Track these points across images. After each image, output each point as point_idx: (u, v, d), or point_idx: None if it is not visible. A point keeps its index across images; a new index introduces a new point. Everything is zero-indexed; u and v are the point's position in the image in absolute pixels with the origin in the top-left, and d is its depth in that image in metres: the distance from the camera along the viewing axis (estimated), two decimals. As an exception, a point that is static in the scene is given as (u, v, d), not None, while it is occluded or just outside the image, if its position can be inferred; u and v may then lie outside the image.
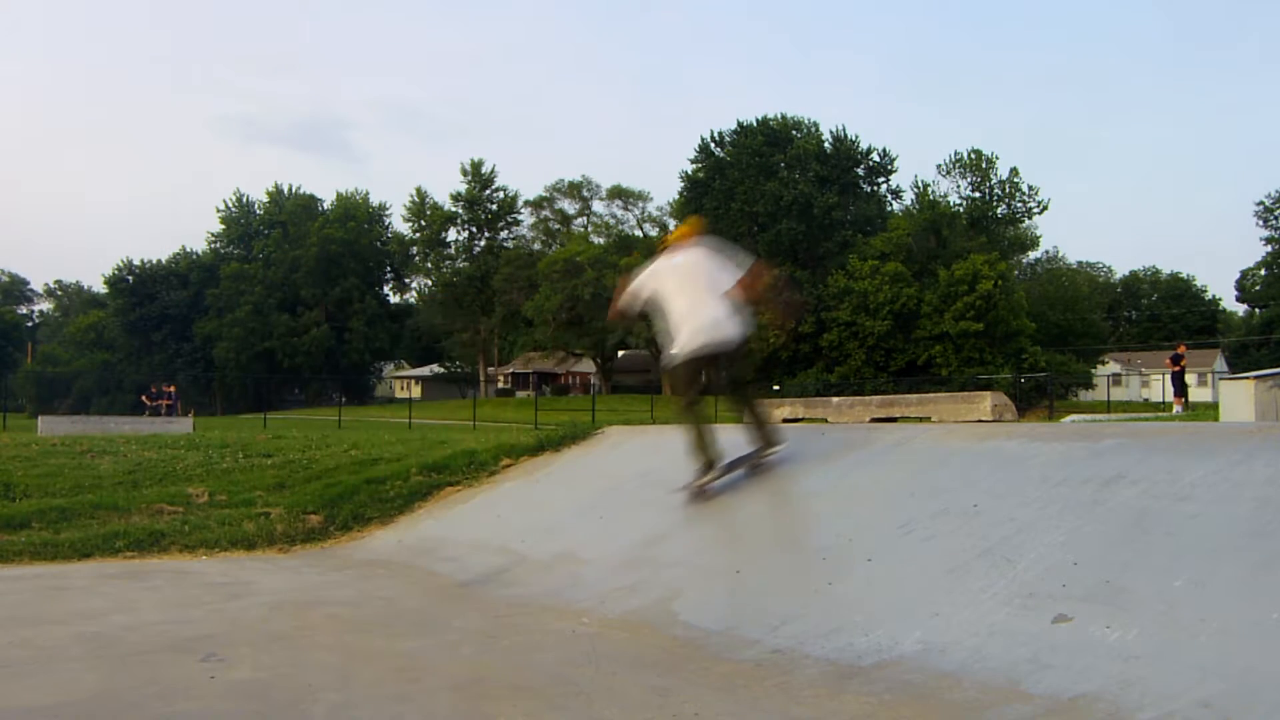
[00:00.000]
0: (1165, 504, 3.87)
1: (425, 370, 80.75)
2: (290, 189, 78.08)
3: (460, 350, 74.90)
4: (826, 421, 8.23)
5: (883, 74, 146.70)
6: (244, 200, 78.44)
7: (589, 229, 72.15)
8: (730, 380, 5.96)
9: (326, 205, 77.47)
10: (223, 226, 78.24)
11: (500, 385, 76.17)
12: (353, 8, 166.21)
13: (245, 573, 6.22)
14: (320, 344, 72.09)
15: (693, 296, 5.78)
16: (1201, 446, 4.37)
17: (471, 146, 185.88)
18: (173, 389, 30.77)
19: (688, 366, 5.79)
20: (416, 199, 72.69)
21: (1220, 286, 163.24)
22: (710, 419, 6.06)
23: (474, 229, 73.15)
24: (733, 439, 6.11)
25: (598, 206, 73.63)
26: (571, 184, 72.80)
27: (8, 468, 9.76)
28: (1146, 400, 54.12)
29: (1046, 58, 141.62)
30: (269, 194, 78.01)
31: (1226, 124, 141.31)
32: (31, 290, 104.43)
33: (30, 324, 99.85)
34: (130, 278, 74.80)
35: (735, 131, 60.98)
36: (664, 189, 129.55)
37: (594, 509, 6.57)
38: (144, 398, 30.06)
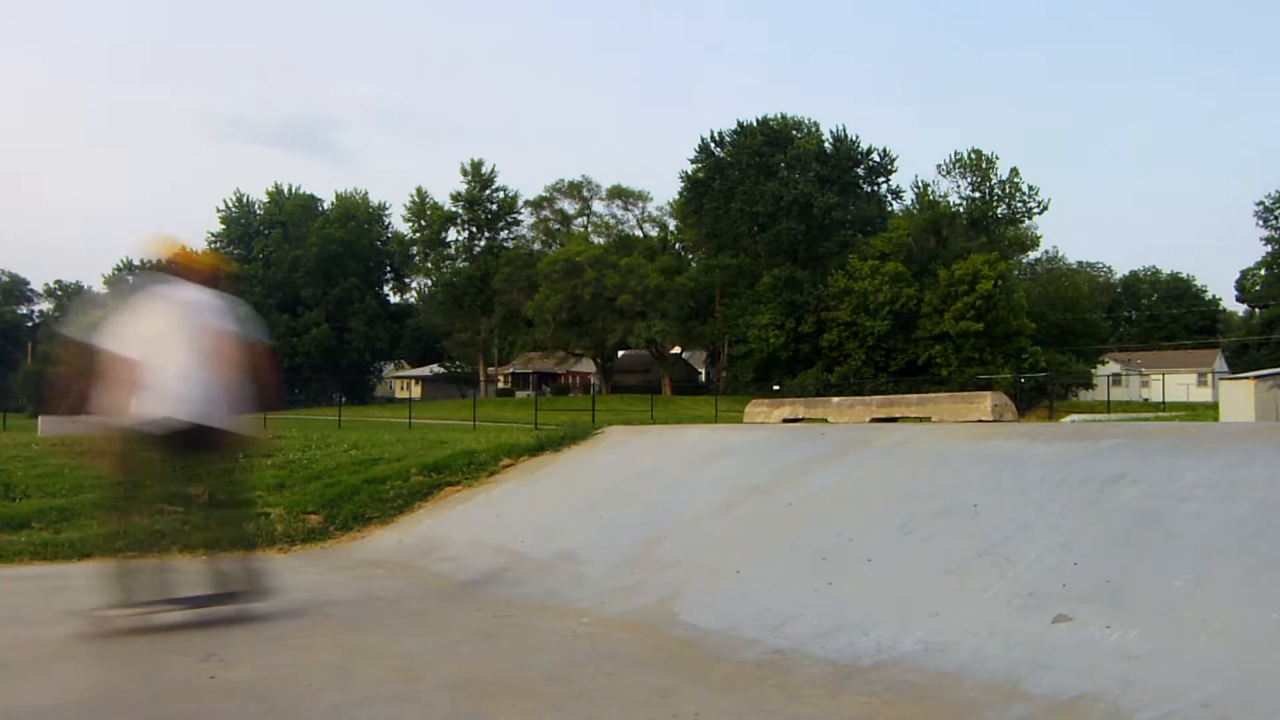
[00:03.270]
0: (1165, 504, 3.87)
1: (425, 370, 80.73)
2: (290, 189, 78.14)
3: (460, 350, 74.89)
4: (826, 421, 8.24)
5: (883, 74, 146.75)
6: (244, 200, 78.47)
7: (589, 229, 72.14)
8: (207, 490, 4.70)
9: (326, 205, 77.49)
10: (223, 226, 78.25)
11: (500, 385, 76.17)
12: (349, 7, 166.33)
13: (245, 573, 6.22)
14: (320, 344, 72.06)
15: (176, 356, 4.40)
16: (1201, 446, 4.38)
17: (471, 147, 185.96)
18: None
19: (139, 448, 4.39)
20: (416, 199, 72.70)
21: (1220, 286, 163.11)
22: (142, 529, 4.69)
23: (474, 229, 73.13)
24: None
25: (598, 206, 73.61)
26: (571, 184, 72.77)
27: (8, 468, 9.76)
28: (1146, 400, 54.15)
29: (1047, 58, 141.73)
30: (269, 194, 78.04)
31: (1227, 124, 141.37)
32: (31, 290, 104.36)
33: (30, 324, 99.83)
34: (130, 278, 74.79)
35: (735, 131, 61.00)
36: (664, 189, 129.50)
37: (594, 509, 6.57)
38: None
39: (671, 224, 69.63)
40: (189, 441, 4.46)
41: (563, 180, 72.89)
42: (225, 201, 79.70)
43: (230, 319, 4.60)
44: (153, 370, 4.36)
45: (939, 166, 63.54)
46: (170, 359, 4.38)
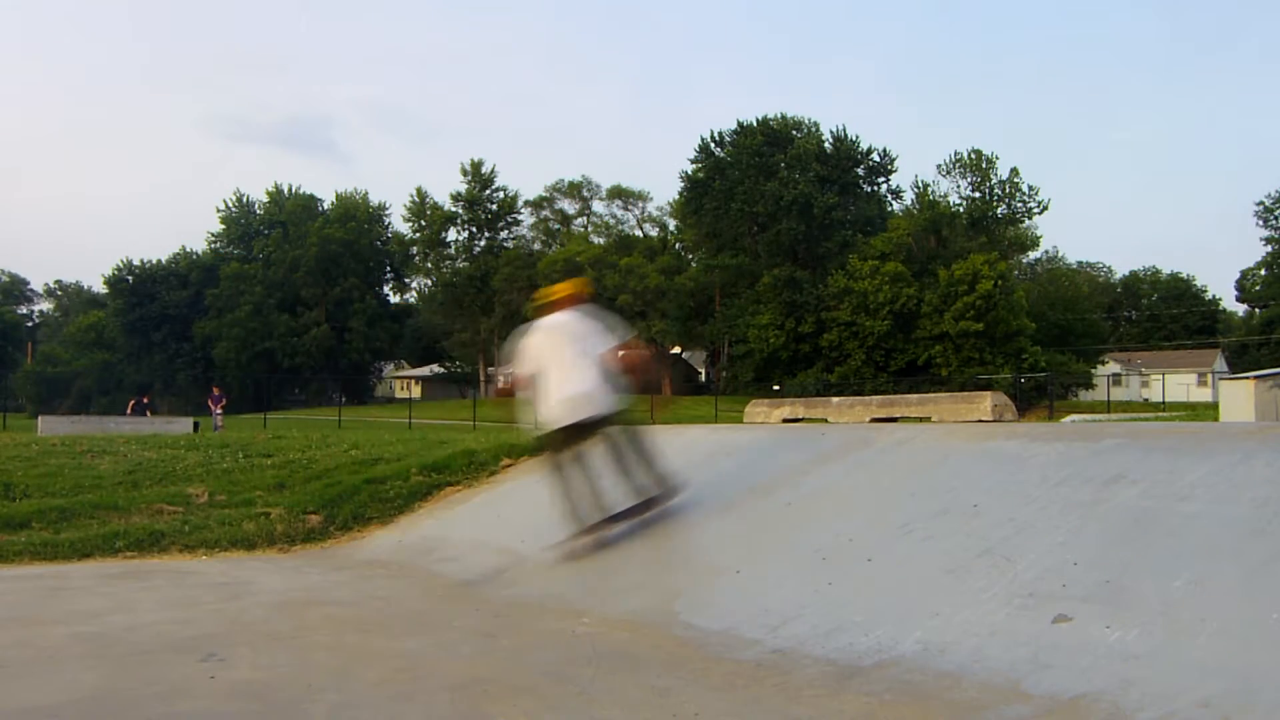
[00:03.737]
0: (1165, 504, 3.87)
1: (425, 370, 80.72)
2: (290, 189, 78.14)
3: (460, 350, 74.90)
4: (826, 421, 8.24)
5: (883, 74, 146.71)
6: (244, 200, 78.50)
7: (589, 229, 72.20)
8: (606, 436, 5.73)
9: (326, 205, 77.50)
10: (223, 226, 78.27)
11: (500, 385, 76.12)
12: (349, 7, 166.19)
13: (245, 573, 6.23)
14: (320, 344, 72.08)
15: (562, 367, 5.58)
16: (1201, 446, 4.37)
17: (471, 147, 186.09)
18: (146, 399, 33.00)
19: (554, 438, 5.66)
20: (416, 199, 72.72)
21: (1220, 286, 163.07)
22: (579, 480, 5.77)
23: (474, 229, 73.16)
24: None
25: (598, 206, 73.73)
26: (571, 184, 72.88)
27: (8, 468, 9.76)
28: (1146, 400, 54.15)
29: (1047, 58, 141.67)
30: (269, 194, 78.06)
31: (1226, 124, 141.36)
32: (31, 290, 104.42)
33: (30, 324, 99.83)
34: (130, 278, 74.82)
35: (735, 131, 61.03)
36: (664, 189, 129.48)
37: (594, 509, 6.56)
38: (131, 404, 31.41)
39: (671, 224, 69.69)
40: (586, 429, 5.61)
41: (563, 180, 73.04)
42: (225, 201, 79.84)
43: (601, 329, 5.79)
44: (554, 381, 5.58)
45: (939, 166, 63.65)
46: (565, 370, 5.57)
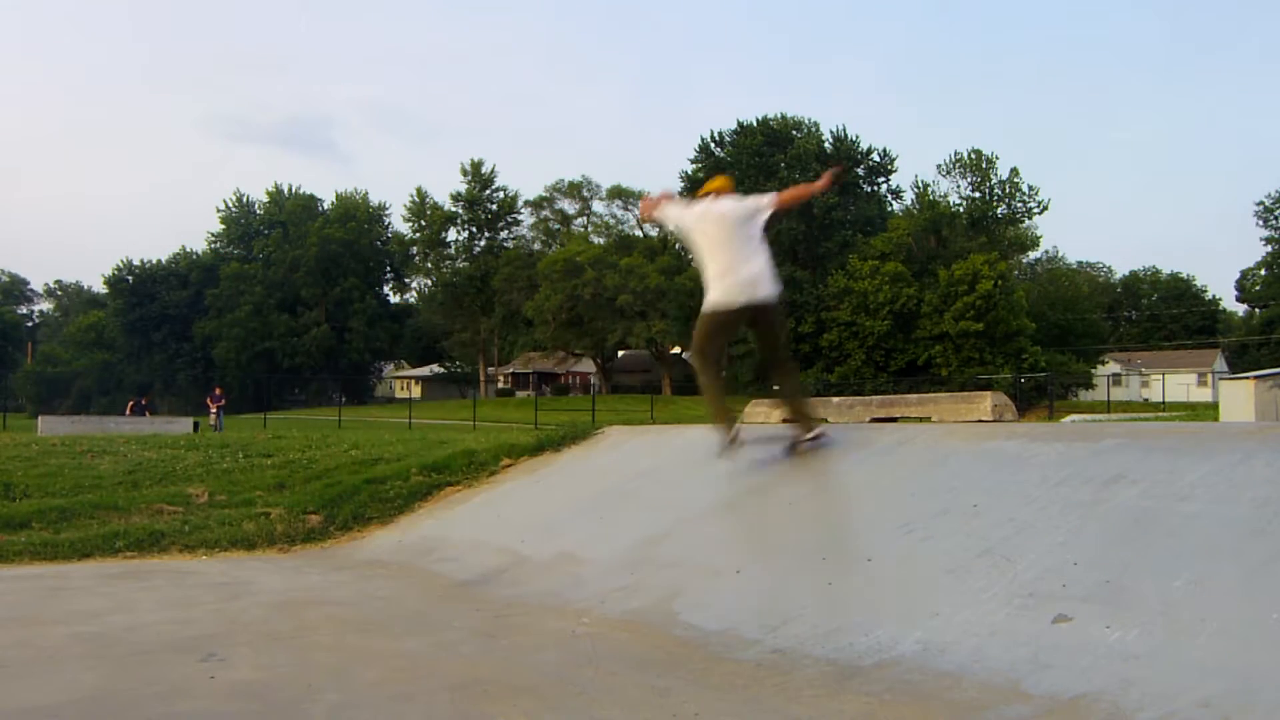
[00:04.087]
0: (1165, 504, 3.87)
1: (425, 370, 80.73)
2: (290, 189, 78.13)
3: (460, 350, 74.91)
4: (826, 421, 8.22)
5: (883, 74, 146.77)
6: (244, 200, 78.51)
7: (589, 229, 72.16)
8: (767, 351, 5.93)
9: (326, 205, 77.47)
10: (223, 226, 78.28)
11: (500, 385, 76.16)
12: (349, 7, 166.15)
13: (245, 573, 6.22)
14: (320, 344, 72.09)
15: (731, 250, 5.54)
16: (1201, 446, 4.37)
17: (471, 147, 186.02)
18: (146, 400, 33.28)
19: (715, 320, 5.58)
20: (416, 199, 72.71)
21: (1220, 286, 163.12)
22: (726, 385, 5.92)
23: (474, 229, 73.15)
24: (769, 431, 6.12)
25: (598, 206, 73.66)
26: (571, 184, 72.81)
27: (8, 468, 9.76)
28: (1146, 400, 54.13)
29: (1047, 57, 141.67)
30: (269, 194, 78.07)
31: (1226, 124, 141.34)
32: (31, 290, 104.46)
33: (30, 324, 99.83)
34: (130, 278, 74.83)
35: (735, 131, 61.03)
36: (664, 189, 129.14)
37: (594, 509, 6.57)
38: (130, 405, 31.56)
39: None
40: (763, 314, 5.58)
41: (563, 180, 72.99)
42: (225, 201, 79.89)
43: (757, 211, 5.64)
44: (726, 261, 5.50)
45: (939, 166, 63.66)
46: (736, 251, 5.51)
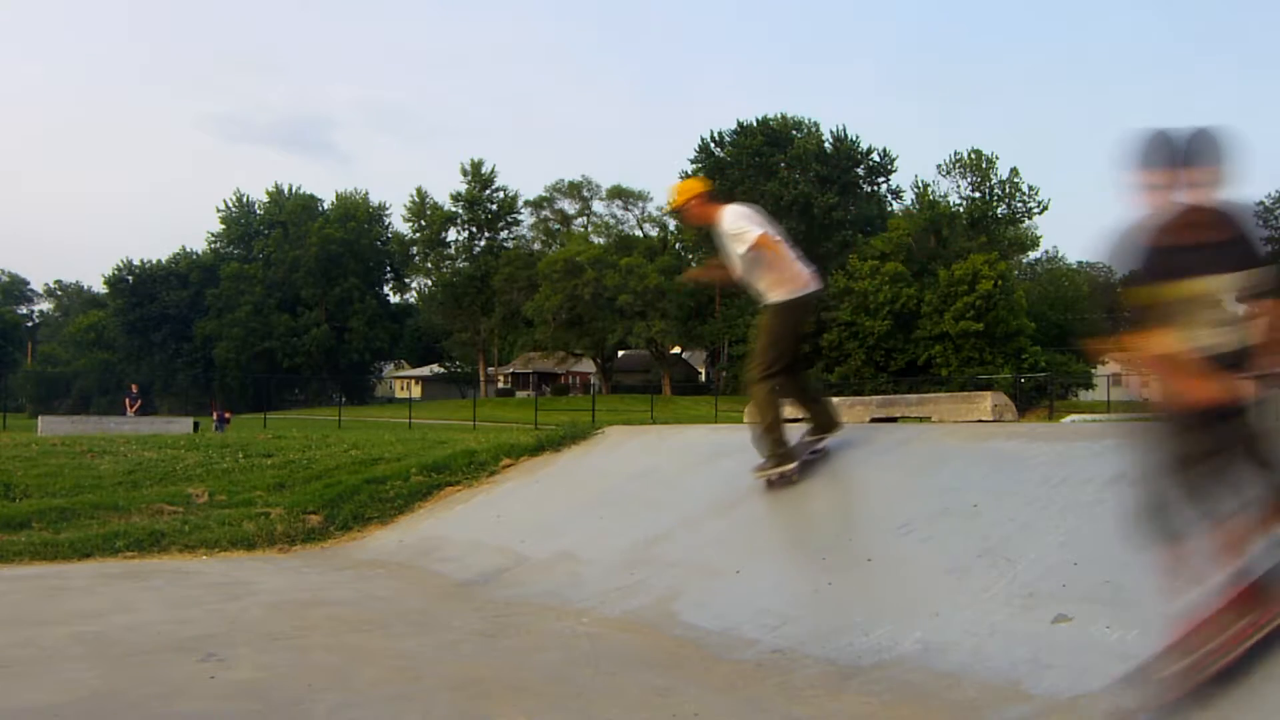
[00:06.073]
0: (1165, 504, 3.86)
1: (425, 370, 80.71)
2: (290, 189, 78.13)
3: (460, 350, 74.87)
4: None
5: (883, 74, 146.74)
6: (244, 200, 78.50)
7: (589, 229, 72.12)
8: (799, 348, 5.91)
9: (326, 205, 77.48)
10: (223, 226, 78.28)
11: (500, 385, 76.16)
12: (348, 7, 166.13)
13: (245, 573, 6.22)
14: (320, 344, 72.08)
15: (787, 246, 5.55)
16: (1201, 446, 4.36)
17: (471, 147, 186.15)
18: (135, 388, 33.40)
19: (798, 313, 5.55)
20: (416, 199, 72.68)
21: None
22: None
23: (474, 229, 73.08)
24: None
25: (598, 206, 73.59)
26: (571, 184, 72.75)
27: (8, 468, 9.76)
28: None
29: (1047, 57, 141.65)
30: (269, 194, 78.06)
31: (1226, 124, 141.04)
32: (31, 290, 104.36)
33: (30, 324, 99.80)
34: (130, 278, 74.82)
35: (735, 131, 61.00)
36: (664, 189, 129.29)
37: (594, 509, 6.57)
38: (126, 399, 31.61)
39: (671, 224, 69.59)
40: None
41: (563, 180, 72.89)
42: (225, 201, 79.83)
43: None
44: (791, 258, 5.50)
45: (939, 166, 63.60)
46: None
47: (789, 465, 5.48)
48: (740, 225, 5.52)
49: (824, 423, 5.80)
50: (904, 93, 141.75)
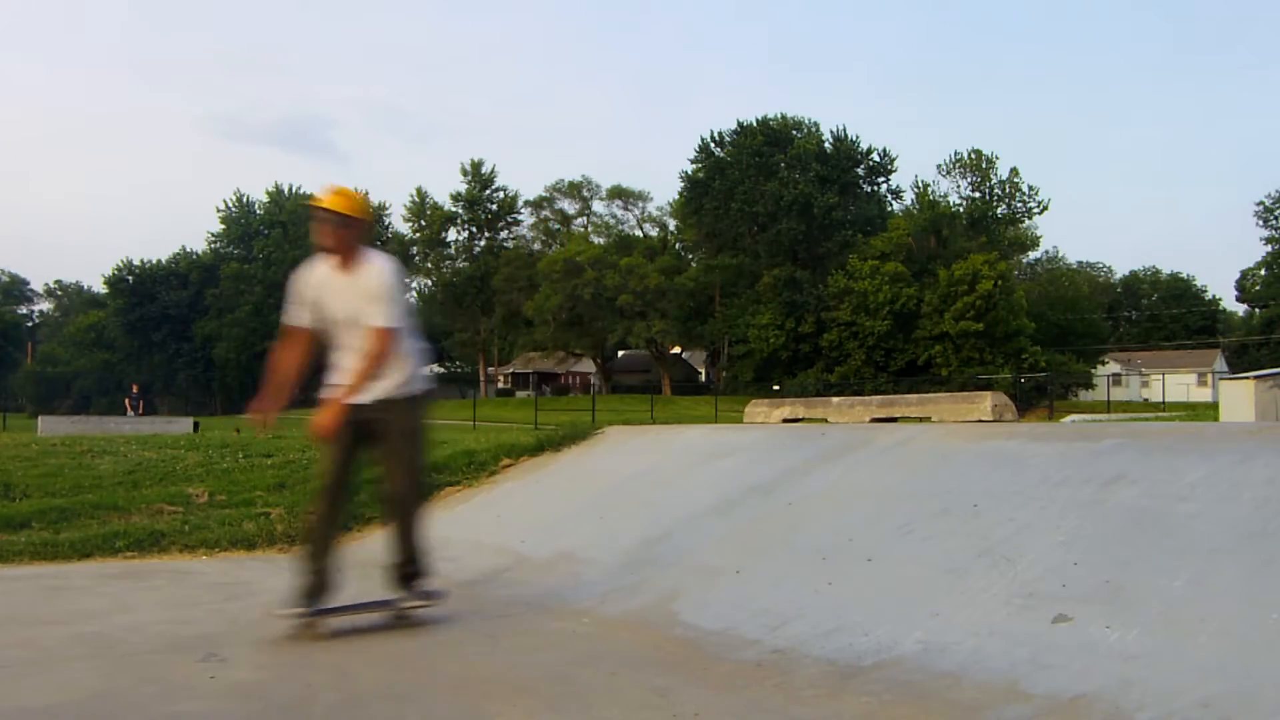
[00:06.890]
0: (1165, 504, 3.87)
1: (425, 370, 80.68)
2: (290, 189, 78.08)
3: (460, 350, 74.85)
4: (826, 421, 8.23)
5: (883, 74, 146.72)
6: (244, 200, 78.45)
7: (589, 229, 72.10)
8: (388, 477, 4.44)
9: (326, 205, 77.40)
10: (223, 226, 78.22)
11: (500, 385, 76.17)
12: (348, 7, 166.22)
13: (245, 573, 6.23)
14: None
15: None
16: (1201, 446, 4.38)
17: (470, 147, 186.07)
18: (136, 387, 33.76)
19: (340, 419, 4.23)
20: (416, 199, 72.67)
21: (1220, 286, 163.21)
22: (343, 522, 4.80)
23: (474, 229, 73.07)
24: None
25: (598, 206, 73.58)
26: (571, 184, 72.73)
27: (8, 468, 9.76)
28: (1146, 400, 54.12)
29: (1047, 57, 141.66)
30: (269, 194, 77.99)
31: (1226, 124, 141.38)
32: (31, 290, 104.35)
33: (30, 324, 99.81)
34: (130, 278, 74.78)
35: (735, 131, 60.97)
36: (664, 189, 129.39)
37: (594, 509, 6.57)
38: (127, 400, 31.69)
39: (671, 224, 69.60)
40: (386, 419, 4.56)
41: (563, 180, 72.88)
42: (225, 201, 79.72)
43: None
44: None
45: (939, 166, 63.68)
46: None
47: (310, 606, 4.27)
48: (392, 292, 4.42)
49: (412, 579, 4.45)
50: (904, 93, 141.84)
